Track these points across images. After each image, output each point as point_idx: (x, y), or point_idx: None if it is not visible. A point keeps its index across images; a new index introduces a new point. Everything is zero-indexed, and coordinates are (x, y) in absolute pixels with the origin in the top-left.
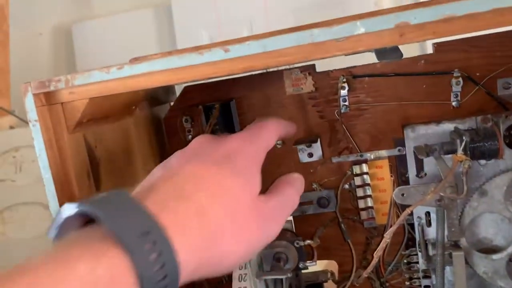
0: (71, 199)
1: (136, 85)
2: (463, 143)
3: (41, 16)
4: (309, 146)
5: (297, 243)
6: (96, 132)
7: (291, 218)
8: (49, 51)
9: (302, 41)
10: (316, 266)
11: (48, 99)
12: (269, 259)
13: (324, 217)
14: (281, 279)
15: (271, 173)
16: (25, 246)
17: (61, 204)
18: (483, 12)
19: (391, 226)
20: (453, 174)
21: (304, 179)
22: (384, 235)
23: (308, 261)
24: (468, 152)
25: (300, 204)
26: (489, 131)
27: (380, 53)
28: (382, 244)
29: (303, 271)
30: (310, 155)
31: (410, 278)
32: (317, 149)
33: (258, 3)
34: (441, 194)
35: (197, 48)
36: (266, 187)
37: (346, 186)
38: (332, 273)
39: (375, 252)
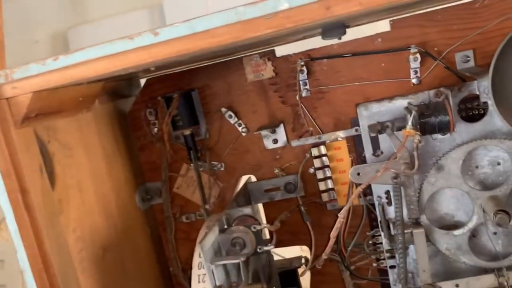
0: (23, 193)
1: (75, 76)
2: (411, 118)
3: (36, 24)
4: (273, 132)
5: (254, 228)
6: (48, 127)
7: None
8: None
9: (229, 20)
10: (289, 252)
11: None
12: (227, 245)
13: (293, 202)
14: (239, 263)
15: (239, 160)
16: None
17: (11, 197)
18: None
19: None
20: (406, 150)
21: (271, 166)
22: (338, 214)
23: (266, 246)
24: (418, 126)
25: (268, 190)
26: (440, 104)
27: (325, 31)
28: (337, 224)
29: (276, 258)
30: (275, 141)
31: (377, 259)
32: (281, 135)
33: (249, 1)
34: (394, 170)
35: (129, 36)
36: (234, 174)
37: (311, 170)
38: (306, 259)
39: (331, 233)
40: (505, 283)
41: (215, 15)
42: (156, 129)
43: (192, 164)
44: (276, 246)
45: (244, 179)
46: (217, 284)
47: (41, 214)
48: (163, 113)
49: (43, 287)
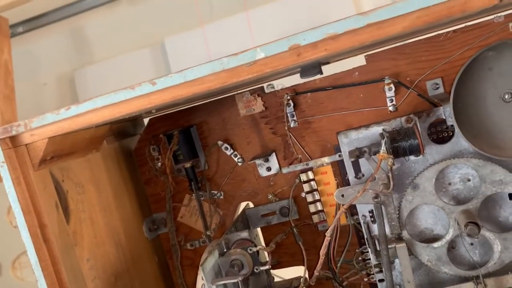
0: (41, 228)
1: (85, 122)
2: (383, 143)
3: (44, 67)
4: (266, 160)
5: (250, 250)
6: (62, 168)
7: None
8: (54, 99)
9: (216, 69)
10: (287, 273)
11: (13, 142)
12: (226, 267)
13: (288, 225)
14: (238, 283)
15: (236, 188)
16: None
17: (32, 232)
18: (359, 28)
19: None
20: (384, 172)
21: (266, 192)
22: (325, 233)
23: (263, 266)
24: (391, 150)
25: (265, 215)
26: (410, 130)
27: (303, 71)
28: (325, 242)
29: (276, 280)
30: (269, 169)
31: (368, 274)
32: (274, 163)
33: (245, 37)
34: (372, 191)
35: (131, 86)
36: (233, 202)
37: (303, 194)
38: (305, 279)
39: (320, 251)
40: None
41: (204, 66)
42: (159, 163)
43: (193, 194)
44: (276, 267)
45: (242, 205)
46: None
47: (58, 246)
48: (165, 149)
49: None
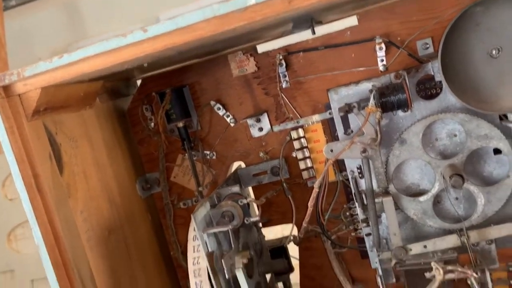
0: (35, 178)
1: (77, 71)
2: (372, 96)
3: (38, 41)
4: (258, 121)
5: (241, 202)
6: (55, 121)
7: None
8: None
9: (207, 15)
10: (278, 229)
11: (6, 92)
12: (217, 218)
13: (279, 184)
14: (229, 235)
15: (229, 149)
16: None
17: (26, 181)
18: None
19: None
20: (372, 127)
21: (258, 152)
22: (314, 185)
23: (252, 218)
24: (379, 104)
25: (256, 175)
26: (398, 85)
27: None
28: (313, 194)
29: (267, 238)
30: (260, 129)
31: (355, 229)
32: (265, 123)
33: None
34: (360, 144)
35: (123, 34)
36: (225, 162)
37: (294, 154)
38: (294, 237)
39: (308, 203)
40: (466, 242)
41: (195, 13)
42: (152, 124)
43: (186, 154)
44: (267, 225)
45: (235, 165)
46: (210, 250)
47: (52, 197)
48: (158, 108)
49: (55, 261)
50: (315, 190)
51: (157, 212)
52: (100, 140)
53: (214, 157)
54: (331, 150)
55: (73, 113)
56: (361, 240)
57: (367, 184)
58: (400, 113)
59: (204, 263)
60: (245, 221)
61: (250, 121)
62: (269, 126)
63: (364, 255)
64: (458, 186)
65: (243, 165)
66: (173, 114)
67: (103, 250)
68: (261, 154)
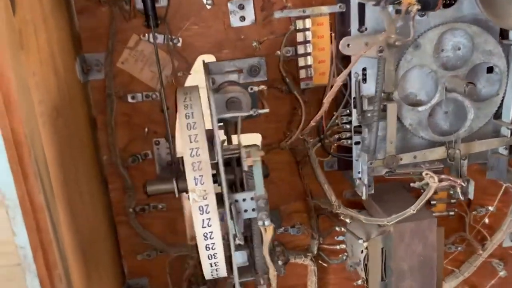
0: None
1: None
2: None
3: None
4: (242, 7)
5: (251, 88)
6: None
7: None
8: None
9: None
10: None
11: None
12: (221, 106)
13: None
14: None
15: (199, 36)
16: None
17: None
18: None
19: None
20: (395, 26)
21: (234, 46)
22: (324, 101)
23: (260, 109)
24: None
25: (229, 72)
26: None
27: None
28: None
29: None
30: (242, 18)
31: (339, 139)
32: (249, 13)
33: None
34: (388, 41)
35: None
36: (192, 53)
37: (279, 52)
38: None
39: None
40: (458, 153)
41: None
42: None
43: (143, 36)
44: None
45: (203, 58)
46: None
47: (3, 33)
48: None
49: (7, 136)
50: (325, 106)
51: (92, 104)
52: None
53: (178, 45)
54: (348, 45)
55: None
56: (341, 149)
57: (378, 85)
58: (417, 16)
59: (204, 155)
60: (253, 113)
61: (231, 6)
62: (253, 17)
63: (343, 166)
64: (472, 94)
65: (213, 58)
66: None
67: (52, 130)
68: (254, 44)
